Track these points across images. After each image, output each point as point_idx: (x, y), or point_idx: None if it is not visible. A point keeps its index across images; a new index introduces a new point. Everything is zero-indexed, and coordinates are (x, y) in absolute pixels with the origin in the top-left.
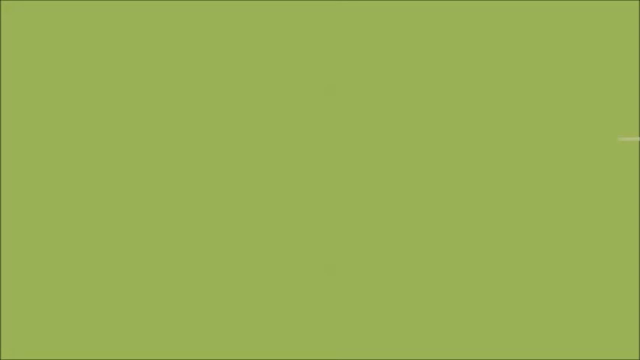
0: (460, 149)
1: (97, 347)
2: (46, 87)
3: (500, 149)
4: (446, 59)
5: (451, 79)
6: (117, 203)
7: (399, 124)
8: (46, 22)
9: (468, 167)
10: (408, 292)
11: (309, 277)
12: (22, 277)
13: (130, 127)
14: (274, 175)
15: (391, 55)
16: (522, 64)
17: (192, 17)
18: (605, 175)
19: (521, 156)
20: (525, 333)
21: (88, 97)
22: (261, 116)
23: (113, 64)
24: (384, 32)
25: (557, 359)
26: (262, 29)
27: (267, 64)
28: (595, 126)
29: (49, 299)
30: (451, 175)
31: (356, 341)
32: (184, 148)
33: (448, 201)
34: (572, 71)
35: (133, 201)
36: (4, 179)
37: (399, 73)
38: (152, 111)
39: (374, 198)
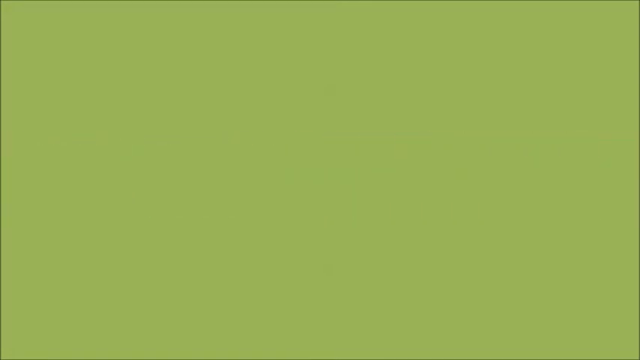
0: (459, 149)
1: (97, 347)
2: (45, 87)
3: (499, 149)
4: (445, 59)
5: (450, 80)
6: (116, 203)
7: (399, 124)
8: (46, 22)
9: (467, 167)
10: (407, 293)
11: (308, 277)
12: (22, 277)
13: (128, 127)
14: (273, 174)
15: (391, 55)
16: (522, 65)
17: (192, 17)
18: (604, 175)
19: (520, 156)
20: (525, 333)
21: (88, 97)
22: (261, 116)
23: (113, 64)
24: (383, 32)
25: (557, 359)
26: (262, 29)
27: (267, 64)
28: (595, 125)
29: (49, 299)
30: (451, 175)
31: (356, 341)
32: (184, 149)
33: (448, 200)
34: (572, 71)
35: (132, 200)
36: (4, 179)
37: (399, 74)
38: (152, 111)
39: (374, 198)
